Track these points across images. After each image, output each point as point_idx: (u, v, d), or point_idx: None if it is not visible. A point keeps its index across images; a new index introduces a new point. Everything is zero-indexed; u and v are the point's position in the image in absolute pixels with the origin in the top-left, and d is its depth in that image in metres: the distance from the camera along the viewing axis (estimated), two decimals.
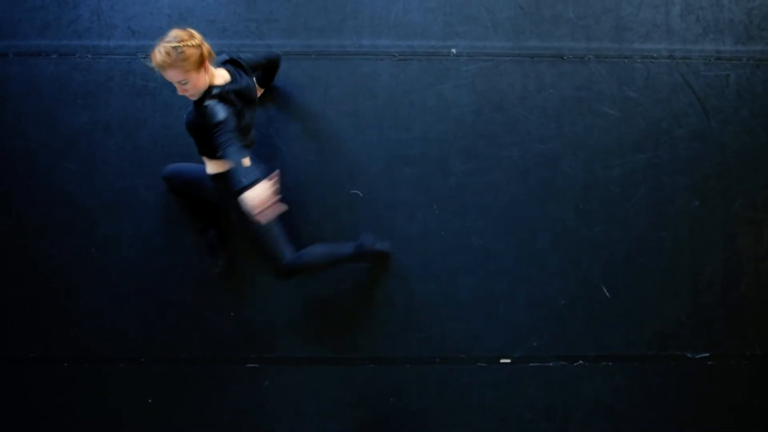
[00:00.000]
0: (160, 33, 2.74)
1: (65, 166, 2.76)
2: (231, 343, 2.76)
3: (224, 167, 2.33)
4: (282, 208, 2.11)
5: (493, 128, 2.81)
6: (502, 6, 2.82)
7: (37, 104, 2.76)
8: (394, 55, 2.81)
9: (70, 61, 2.77)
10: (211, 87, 2.20)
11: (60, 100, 2.76)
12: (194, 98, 2.20)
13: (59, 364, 2.74)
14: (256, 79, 2.55)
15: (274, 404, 2.76)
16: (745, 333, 2.81)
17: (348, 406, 2.77)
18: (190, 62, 2.11)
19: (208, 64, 2.18)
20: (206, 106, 2.13)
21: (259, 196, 1.98)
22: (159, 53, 2.09)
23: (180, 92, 2.18)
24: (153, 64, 2.12)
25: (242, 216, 2.17)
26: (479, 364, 2.79)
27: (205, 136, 2.19)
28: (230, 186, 2.06)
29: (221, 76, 2.28)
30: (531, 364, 2.80)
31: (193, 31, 2.17)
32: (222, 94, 2.19)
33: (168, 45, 2.10)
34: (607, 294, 2.80)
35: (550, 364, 2.80)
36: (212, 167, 2.38)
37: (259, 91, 2.65)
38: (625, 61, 2.83)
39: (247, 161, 2.08)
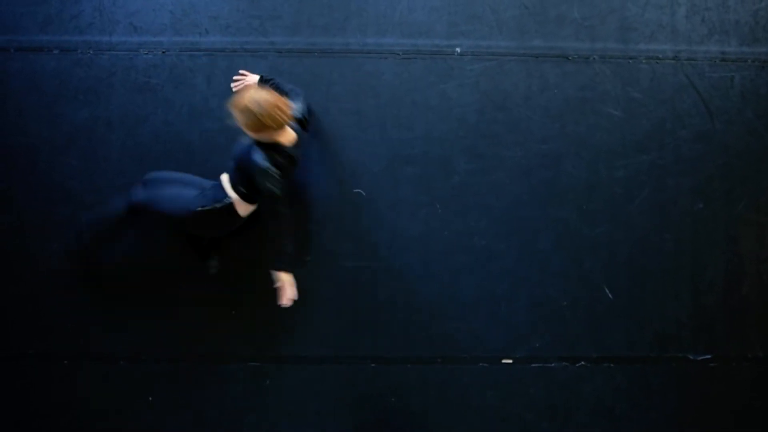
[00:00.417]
0: (162, 29, 2.77)
1: (66, 163, 2.74)
2: (232, 341, 2.75)
3: (251, 209, 2.47)
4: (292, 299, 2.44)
5: (497, 128, 2.80)
6: (506, 5, 2.81)
7: (38, 100, 2.74)
8: (398, 54, 2.80)
9: (72, 56, 2.75)
10: (276, 144, 2.30)
11: (61, 96, 2.75)
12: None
13: (59, 361, 2.73)
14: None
15: (275, 403, 2.76)
16: (747, 335, 2.81)
17: (349, 405, 2.77)
18: (267, 130, 2.23)
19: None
20: (263, 158, 2.25)
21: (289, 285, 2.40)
22: (241, 112, 2.17)
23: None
24: (232, 109, 2.20)
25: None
26: (481, 364, 2.79)
27: (250, 178, 2.30)
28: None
29: (288, 136, 2.34)
30: (532, 365, 2.79)
31: (283, 101, 2.23)
32: (282, 154, 2.31)
33: (251, 109, 2.16)
34: (610, 295, 2.80)
35: (552, 364, 2.80)
36: (242, 208, 2.44)
37: None
38: (630, 61, 2.82)
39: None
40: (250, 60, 2.77)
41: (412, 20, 2.80)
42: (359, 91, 2.78)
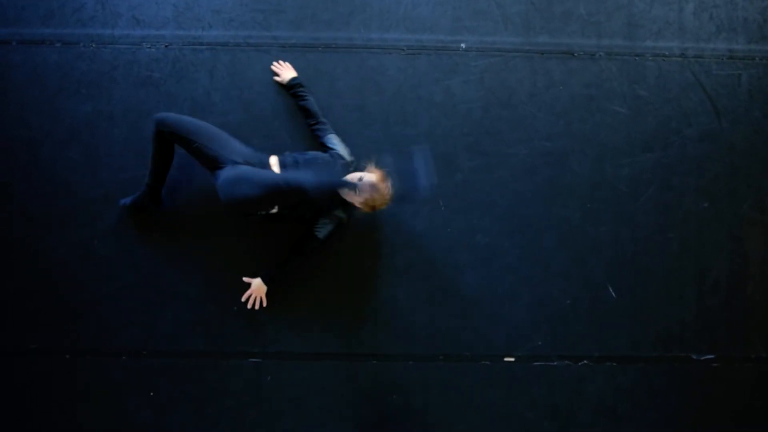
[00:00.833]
0: (165, 22, 2.75)
1: (68, 157, 2.73)
2: (233, 337, 2.75)
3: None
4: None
5: (501, 125, 2.78)
6: (512, 1, 2.79)
7: (40, 93, 2.73)
8: (402, 49, 2.77)
9: (74, 50, 2.73)
10: (351, 205, 2.56)
11: (63, 90, 2.73)
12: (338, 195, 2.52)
13: (61, 356, 2.73)
14: None
15: (276, 399, 2.75)
16: (750, 335, 2.80)
17: (350, 402, 2.76)
18: (366, 204, 2.49)
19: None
20: (342, 210, 2.60)
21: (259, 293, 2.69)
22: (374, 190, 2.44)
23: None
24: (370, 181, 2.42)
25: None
26: (483, 362, 2.78)
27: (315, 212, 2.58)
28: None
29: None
30: (534, 363, 2.78)
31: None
32: (349, 214, 2.62)
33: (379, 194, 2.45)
34: (613, 294, 2.79)
35: (554, 363, 2.79)
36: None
37: None
38: (636, 58, 2.79)
39: None
40: (253, 54, 2.75)
41: (416, 15, 2.78)
42: (363, 87, 2.76)
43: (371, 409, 2.77)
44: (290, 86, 2.69)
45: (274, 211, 2.51)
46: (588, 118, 2.78)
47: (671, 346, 2.79)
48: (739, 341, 2.80)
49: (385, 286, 2.75)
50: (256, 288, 2.66)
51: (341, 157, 2.56)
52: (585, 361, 2.79)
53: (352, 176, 2.48)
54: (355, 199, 2.47)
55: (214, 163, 2.43)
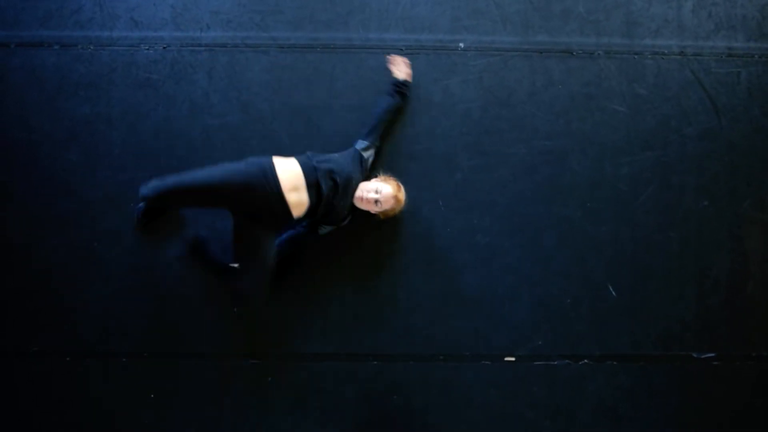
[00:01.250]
0: (163, 24, 2.75)
1: (67, 158, 2.73)
2: (234, 338, 2.75)
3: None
4: None
5: (500, 124, 2.77)
6: (510, 0, 2.78)
7: (39, 95, 2.73)
8: (401, 49, 2.77)
9: (72, 52, 2.73)
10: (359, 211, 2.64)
11: (62, 92, 2.73)
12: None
13: (61, 358, 2.73)
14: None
15: (277, 400, 2.75)
16: (751, 334, 2.79)
17: (350, 403, 2.76)
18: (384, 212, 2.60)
19: None
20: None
21: None
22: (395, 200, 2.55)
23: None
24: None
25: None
26: (483, 362, 2.78)
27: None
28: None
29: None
30: (535, 363, 2.78)
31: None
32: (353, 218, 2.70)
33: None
34: (613, 293, 2.78)
35: (555, 363, 2.78)
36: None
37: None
38: (635, 57, 2.79)
39: None
40: (251, 56, 2.75)
41: (414, 15, 2.77)
42: (362, 87, 2.76)
43: (372, 409, 2.77)
44: (399, 83, 2.68)
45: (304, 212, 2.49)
46: (587, 117, 2.78)
47: (672, 345, 2.79)
48: (740, 340, 2.79)
49: (385, 286, 2.75)
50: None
51: (363, 158, 2.59)
52: (585, 361, 2.79)
53: (369, 185, 2.52)
54: (372, 208, 2.52)
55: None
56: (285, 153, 2.72)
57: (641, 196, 2.78)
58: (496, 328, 2.78)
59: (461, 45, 2.78)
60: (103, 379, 2.73)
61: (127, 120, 2.73)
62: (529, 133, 2.77)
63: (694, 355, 2.79)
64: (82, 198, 2.72)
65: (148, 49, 2.75)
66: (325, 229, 2.64)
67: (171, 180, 2.40)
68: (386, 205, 2.52)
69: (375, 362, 2.77)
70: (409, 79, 2.71)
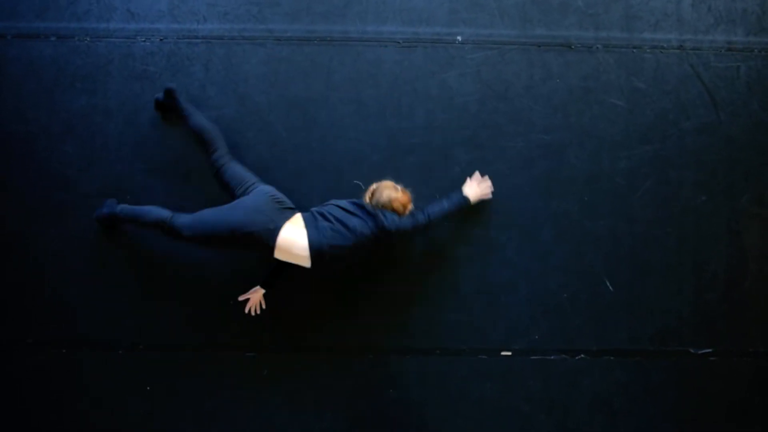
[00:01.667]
0: (160, 16, 2.74)
1: (64, 151, 2.73)
2: (230, 331, 2.75)
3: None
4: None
5: (498, 118, 2.76)
6: None
7: (36, 87, 2.72)
8: (399, 42, 2.76)
9: (69, 43, 2.73)
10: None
11: (59, 84, 2.73)
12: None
13: (57, 350, 2.73)
14: None
15: (273, 393, 2.75)
16: (748, 330, 2.79)
17: (347, 396, 2.76)
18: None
19: None
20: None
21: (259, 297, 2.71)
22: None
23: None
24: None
25: None
26: (480, 356, 2.77)
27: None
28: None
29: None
30: (532, 357, 2.78)
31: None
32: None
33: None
34: (610, 288, 2.77)
35: (551, 357, 2.78)
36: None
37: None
38: (634, 51, 2.77)
39: None
40: (248, 48, 2.74)
41: (412, 7, 2.76)
42: (359, 80, 2.75)
43: (368, 402, 2.77)
44: (465, 203, 2.68)
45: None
46: (585, 110, 2.76)
47: (669, 340, 2.78)
48: (737, 335, 2.78)
49: (382, 280, 2.74)
50: (254, 293, 2.66)
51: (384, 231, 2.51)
52: (582, 355, 2.78)
53: (368, 199, 2.52)
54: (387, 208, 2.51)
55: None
56: (282, 145, 2.73)
57: (639, 190, 2.77)
58: (492, 322, 2.77)
59: (459, 38, 2.77)
60: (99, 371, 2.74)
61: (123, 112, 2.73)
62: (526, 127, 2.76)
63: (691, 350, 2.79)
64: (78, 190, 2.72)
65: (144, 41, 2.74)
66: None
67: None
68: (395, 205, 2.50)
69: (371, 356, 2.77)
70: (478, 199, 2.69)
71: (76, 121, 2.72)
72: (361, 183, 2.74)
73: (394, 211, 2.49)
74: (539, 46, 2.77)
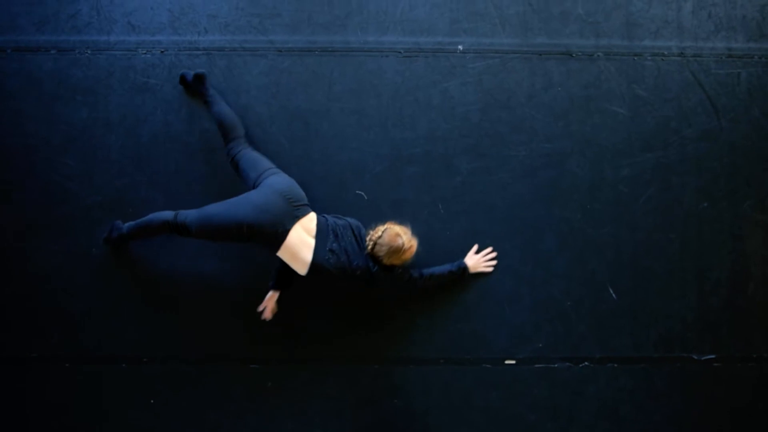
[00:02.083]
0: (160, 28, 2.74)
1: (65, 163, 2.72)
2: (234, 343, 2.74)
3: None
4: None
5: (500, 127, 2.76)
6: (509, 2, 2.77)
7: (37, 100, 2.72)
8: (400, 52, 2.76)
9: (70, 56, 2.72)
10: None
11: (59, 97, 2.72)
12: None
13: (60, 364, 2.72)
14: None
15: (278, 405, 2.75)
16: (752, 335, 2.79)
17: (351, 406, 2.76)
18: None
19: None
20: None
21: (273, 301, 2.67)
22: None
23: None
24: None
25: None
26: (484, 365, 2.77)
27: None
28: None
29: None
30: (536, 366, 2.78)
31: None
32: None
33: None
34: (614, 295, 2.78)
35: (555, 365, 2.78)
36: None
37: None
38: (635, 58, 2.78)
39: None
40: (249, 59, 2.74)
41: (413, 17, 2.76)
42: (360, 90, 2.75)
43: (372, 413, 2.77)
44: (463, 271, 2.72)
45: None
46: (587, 118, 2.77)
47: (673, 346, 2.78)
48: (741, 341, 2.79)
49: (385, 290, 2.74)
50: (270, 299, 2.65)
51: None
52: (586, 363, 2.78)
53: (373, 238, 2.48)
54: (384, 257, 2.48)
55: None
56: (284, 156, 2.72)
57: (641, 197, 2.78)
58: (496, 331, 2.77)
59: (460, 47, 2.77)
60: (102, 385, 2.73)
61: (125, 125, 2.72)
62: (528, 136, 2.76)
63: (695, 356, 2.79)
64: (80, 203, 2.71)
65: (145, 53, 2.74)
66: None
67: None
68: (400, 255, 2.47)
69: (375, 366, 2.77)
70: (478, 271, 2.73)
71: (77, 133, 2.72)
72: (363, 193, 2.74)
73: (391, 263, 2.48)
74: (540, 55, 2.77)
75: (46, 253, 2.71)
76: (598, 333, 2.78)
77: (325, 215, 2.55)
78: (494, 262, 2.74)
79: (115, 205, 2.71)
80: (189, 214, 2.46)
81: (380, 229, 2.48)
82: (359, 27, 2.75)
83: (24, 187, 2.71)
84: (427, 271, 2.61)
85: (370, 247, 2.47)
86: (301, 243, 2.42)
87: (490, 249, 2.75)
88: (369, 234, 2.50)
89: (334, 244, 2.45)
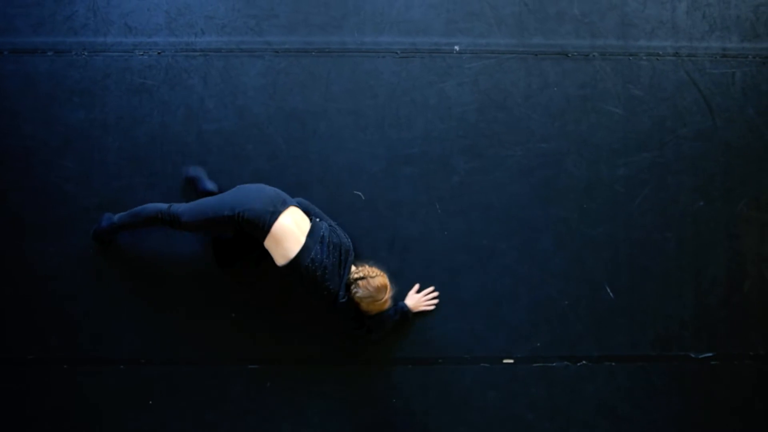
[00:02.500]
0: (157, 29, 2.74)
1: (62, 165, 2.72)
2: (232, 344, 2.74)
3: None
4: None
5: (496, 127, 2.77)
6: (505, 2, 2.78)
7: (33, 102, 2.72)
8: (396, 53, 2.77)
9: (66, 58, 2.72)
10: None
11: (56, 98, 2.72)
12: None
13: (58, 365, 2.72)
14: None
15: (276, 405, 2.74)
16: (749, 333, 2.80)
17: (350, 406, 2.76)
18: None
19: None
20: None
21: None
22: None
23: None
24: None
25: None
26: (482, 364, 2.78)
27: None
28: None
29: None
30: (534, 365, 2.78)
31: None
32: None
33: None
34: (611, 294, 2.78)
35: (553, 364, 2.78)
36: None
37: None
38: (630, 58, 2.79)
39: None
40: (246, 60, 2.74)
41: (409, 18, 2.77)
42: (357, 91, 2.76)
43: (371, 413, 2.76)
44: (407, 315, 2.72)
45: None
46: (583, 118, 2.78)
47: (670, 345, 2.79)
48: (738, 339, 2.80)
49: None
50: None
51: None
52: (584, 362, 2.79)
53: (358, 274, 2.48)
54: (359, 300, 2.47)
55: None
56: (282, 157, 2.73)
57: (637, 197, 2.79)
58: (494, 331, 2.77)
59: (456, 48, 2.78)
60: (100, 387, 2.72)
61: (122, 126, 2.72)
62: (525, 136, 2.77)
63: (693, 355, 2.80)
64: (77, 205, 2.71)
65: (142, 54, 2.74)
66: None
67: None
68: (374, 302, 2.47)
69: (374, 366, 2.77)
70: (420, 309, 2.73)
71: (74, 135, 2.72)
72: (360, 194, 2.74)
73: (361, 307, 2.47)
74: (536, 55, 2.78)
75: (43, 255, 2.71)
76: (596, 332, 2.79)
77: (324, 222, 2.53)
78: (435, 301, 2.72)
79: (113, 207, 2.70)
80: (182, 205, 2.47)
81: (371, 270, 2.48)
82: (356, 28, 2.76)
83: (21, 188, 2.71)
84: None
85: (352, 278, 2.46)
86: (290, 234, 2.39)
87: (431, 288, 2.74)
88: (357, 267, 2.51)
89: (317, 255, 2.41)
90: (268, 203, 2.38)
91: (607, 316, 2.79)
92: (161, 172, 2.73)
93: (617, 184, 2.78)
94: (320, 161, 2.74)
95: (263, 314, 2.72)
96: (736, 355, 2.79)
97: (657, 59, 2.80)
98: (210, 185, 2.63)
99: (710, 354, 2.80)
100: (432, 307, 2.72)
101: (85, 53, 2.73)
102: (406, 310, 2.66)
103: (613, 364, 2.79)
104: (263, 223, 2.36)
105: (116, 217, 2.60)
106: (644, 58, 2.79)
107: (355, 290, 2.44)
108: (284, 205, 2.41)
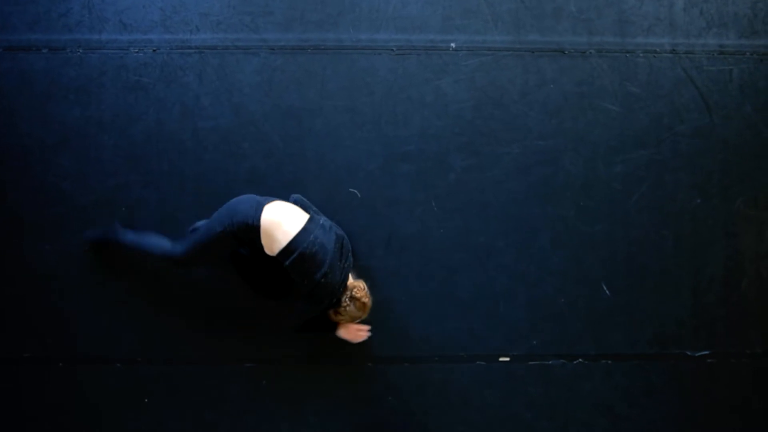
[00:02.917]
0: (152, 26, 2.73)
1: (58, 163, 2.71)
2: (228, 342, 2.73)
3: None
4: None
5: (493, 124, 2.76)
6: None
7: (29, 100, 2.71)
8: (392, 50, 2.76)
9: (62, 55, 2.71)
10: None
11: (52, 96, 2.71)
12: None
13: (54, 364, 2.71)
14: None
15: (273, 404, 2.74)
16: (746, 331, 2.79)
17: (347, 405, 2.75)
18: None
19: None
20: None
21: None
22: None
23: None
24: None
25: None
26: (478, 362, 2.77)
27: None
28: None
29: None
30: (530, 363, 2.77)
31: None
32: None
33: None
34: (608, 292, 2.78)
35: (550, 362, 2.78)
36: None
37: None
38: (627, 55, 2.78)
39: None
40: (242, 57, 2.73)
41: (405, 15, 2.76)
42: (353, 88, 2.75)
43: (368, 411, 2.76)
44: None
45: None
46: (580, 116, 2.77)
47: (667, 343, 2.78)
48: (736, 337, 2.79)
49: (379, 288, 2.73)
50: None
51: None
52: (581, 360, 2.78)
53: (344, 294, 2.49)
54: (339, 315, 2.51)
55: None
56: (277, 155, 2.73)
57: (635, 194, 2.78)
58: (491, 328, 2.77)
59: (453, 45, 2.77)
60: (97, 386, 2.72)
61: (118, 123, 2.72)
62: (522, 133, 2.76)
63: (690, 353, 2.79)
64: (73, 203, 2.71)
65: (137, 51, 2.73)
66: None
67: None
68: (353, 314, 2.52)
69: (370, 364, 2.76)
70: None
71: (70, 133, 2.71)
72: (357, 191, 2.73)
73: (332, 307, 2.48)
74: (533, 52, 2.77)
75: (40, 253, 2.70)
76: (593, 330, 2.78)
77: (323, 217, 2.53)
78: (366, 335, 2.66)
79: (109, 205, 2.70)
80: (179, 244, 2.50)
81: (366, 294, 2.50)
82: (351, 25, 2.75)
83: (17, 186, 2.70)
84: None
85: (349, 293, 2.48)
86: (282, 220, 2.37)
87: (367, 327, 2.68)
88: (354, 280, 2.54)
89: (318, 238, 2.39)
90: (252, 202, 2.40)
91: (604, 314, 2.78)
92: (157, 169, 2.72)
93: (614, 182, 2.77)
94: (316, 159, 2.74)
95: (259, 312, 2.71)
96: (734, 354, 2.79)
97: (654, 56, 2.79)
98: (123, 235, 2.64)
99: (708, 352, 2.79)
100: (359, 340, 2.65)
101: (80, 51, 2.72)
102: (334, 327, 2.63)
103: (611, 362, 2.78)
104: (251, 218, 2.35)
105: (128, 237, 2.60)
106: (641, 55, 2.78)
107: (347, 304, 2.46)
108: (268, 200, 2.43)
